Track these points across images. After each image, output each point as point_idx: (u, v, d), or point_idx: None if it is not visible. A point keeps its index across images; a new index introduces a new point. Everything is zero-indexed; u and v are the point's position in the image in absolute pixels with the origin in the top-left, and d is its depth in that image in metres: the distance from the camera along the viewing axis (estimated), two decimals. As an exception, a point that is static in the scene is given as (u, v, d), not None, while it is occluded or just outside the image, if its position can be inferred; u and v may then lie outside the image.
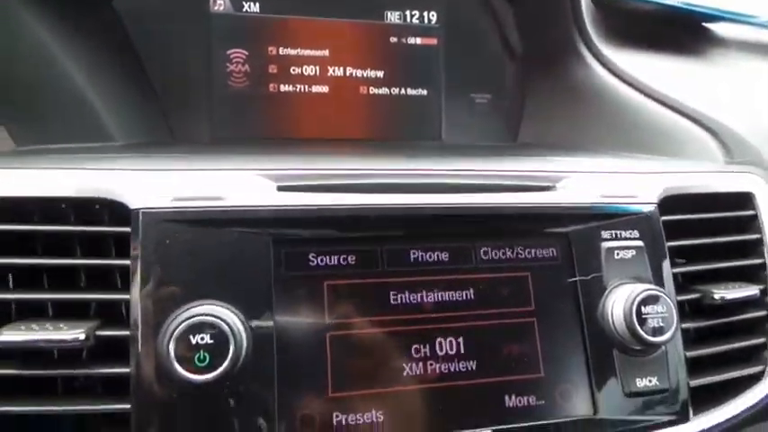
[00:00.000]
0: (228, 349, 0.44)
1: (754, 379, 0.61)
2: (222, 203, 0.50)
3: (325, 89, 0.97)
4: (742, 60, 1.05)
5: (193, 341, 0.44)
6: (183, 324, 0.44)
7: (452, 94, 1.00)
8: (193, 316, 0.44)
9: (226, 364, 0.44)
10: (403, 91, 1.00)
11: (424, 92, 1.01)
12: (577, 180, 0.60)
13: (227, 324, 0.45)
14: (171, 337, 0.44)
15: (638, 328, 0.53)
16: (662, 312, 0.54)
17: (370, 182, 0.54)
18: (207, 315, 0.45)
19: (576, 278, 0.56)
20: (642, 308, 0.54)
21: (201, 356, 0.44)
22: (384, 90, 0.99)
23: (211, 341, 0.44)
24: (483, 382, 0.53)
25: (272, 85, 0.94)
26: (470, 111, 1.02)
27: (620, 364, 0.55)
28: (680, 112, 0.81)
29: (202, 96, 0.89)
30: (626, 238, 0.59)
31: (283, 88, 0.95)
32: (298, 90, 0.96)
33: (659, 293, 0.54)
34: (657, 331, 0.54)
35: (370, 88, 0.99)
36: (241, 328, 0.46)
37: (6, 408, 0.44)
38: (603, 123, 0.90)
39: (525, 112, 1.02)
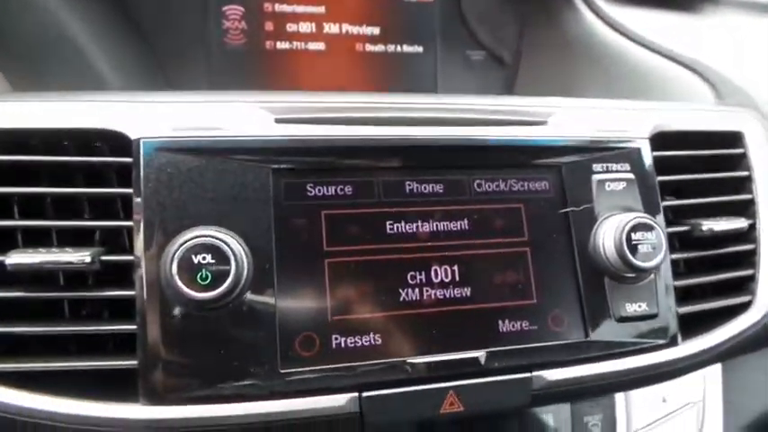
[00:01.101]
0: (230, 269, 0.46)
1: (742, 308, 0.63)
2: (222, 133, 0.51)
3: (321, 46, 0.97)
4: (733, 15, 1.06)
5: (195, 260, 0.45)
6: (185, 245, 0.45)
7: (448, 50, 1.00)
8: (195, 237, 0.46)
9: (227, 282, 0.45)
10: (398, 48, 1.00)
11: (420, 49, 1.01)
12: (570, 115, 0.61)
13: (228, 246, 0.46)
14: (173, 257, 0.45)
15: (629, 254, 0.55)
16: (651, 239, 0.55)
17: (366, 115, 0.55)
18: (208, 237, 0.46)
19: (568, 209, 0.58)
20: (632, 235, 0.55)
21: (204, 275, 0.45)
22: (380, 47, 1.00)
23: (213, 261, 0.46)
24: (477, 308, 0.54)
25: (268, 43, 0.95)
26: (466, 67, 1.03)
27: (610, 290, 0.57)
28: (673, 59, 0.82)
29: (199, 54, 0.90)
30: (617, 171, 0.60)
31: (280, 45, 0.96)
32: (294, 47, 0.96)
33: (649, 221, 0.56)
34: (647, 257, 0.55)
35: (366, 45, 0.99)
36: (241, 251, 0.47)
37: (13, 328, 0.46)
38: (600, 77, 0.91)
39: (521, 68, 1.03)
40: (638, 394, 0.65)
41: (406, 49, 1.01)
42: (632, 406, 0.64)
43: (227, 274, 0.46)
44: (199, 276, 0.45)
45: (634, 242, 0.55)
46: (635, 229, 0.55)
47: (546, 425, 0.61)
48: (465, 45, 1.02)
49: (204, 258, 0.45)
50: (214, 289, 0.45)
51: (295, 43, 0.96)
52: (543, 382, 0.53)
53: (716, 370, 0.69)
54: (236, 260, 0.46)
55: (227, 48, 0.92)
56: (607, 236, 0.56)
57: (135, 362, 0.47)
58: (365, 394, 0.49)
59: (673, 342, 0.58)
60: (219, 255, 0.46)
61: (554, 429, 0.61)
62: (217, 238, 0.46)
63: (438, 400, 0.50)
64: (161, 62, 0.87)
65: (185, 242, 0.45)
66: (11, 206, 0.50)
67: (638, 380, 0.58)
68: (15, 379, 0.45)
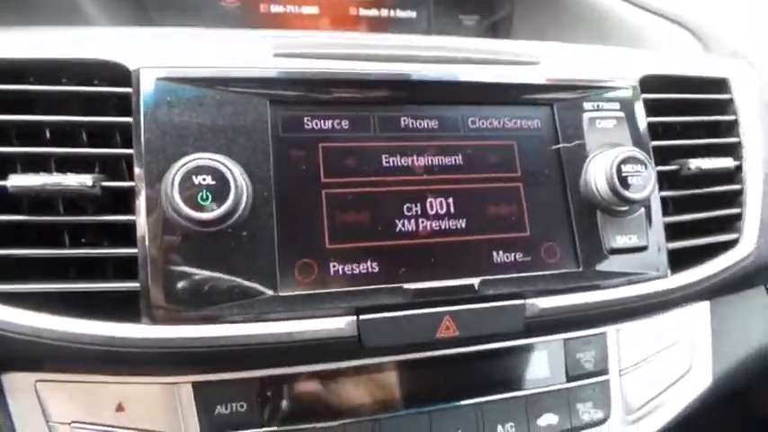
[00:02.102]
0: (229, 190, 0.46)
1: (729, 245, 0.64)
2: (221, 64, 0.52)
3: (314, 10, 0.98)
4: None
5: (196, 181, 0.46)
6: (186, 166, 0.46)
7: (440, 15, 1.01)
8: (196, 159, 0.47)
9: (227, 204, 0.46)
10: (392, 13, 1.01)
11: (413, 14, 1.02)
12: (561, 57, 0.62)
13: (228, 168, 0.47)
14: (174, 178, 0.46)
15: (619, 186, 0.56)
16: (641, 171, 0.57)
17: (364, 51, 0.56)
18: (208, 159, 0.47)
19: (560, 145, 0.59)
20: (622, 167, 0.57)
21: (204, 195, 0.46)
22: (373, 12, 1.01)
23: (213, 182, 0.46)
24: (472, 239, 0.55)
25: (262, 6, 0.96)
26: (459, 32, 1.04)
27: (602, 223, 0.58)
28: (662, 15, 0.83)
29: (194, 16, 0.90)
30: (607, 110, 0.61)
31: (274, 9, 0.96)
32: (288, 11, 0.97)
33: (638, 154, 0.57)
34: (637, 189, 0.56)
35: (360, 9, 1.00)
36: (240, 176, 0.48)
37: (15, 250, 0.47)
38: (593, 39, 0.92)
39: (513, 33, 1.04)
40: (628, 333, 0.66)
41: (400, 14, 1.02)
42: (623, 344, 0.66)
43: (226, 195, 0.46)
44: (199, 197, 0.46)
45: (624, 174, 0.56)
46: (625, 161, 0.57)
47: (540, 361, 0.62)
48: (458, 10, 1.03)
49: (204, 179, 0.46)
50: (214, 210, 0.46)
51: (289, 7, 0.97)
52: (536, 310, 0.54)
53: (704, 311, 0.70)
54: (235, 183, 0.47)
55: (222, 10, 0.93)
56: (598, 170, 0.58)
57: (136, 284, 0.47)
58: (362, 317, 0.50)
59: (662, 273, 0.59)
60: (219, 177, 0.47)
61: (548, 366, 0.62)
62: (217, 161, 0.47)
63: (434, 324, 0.52)
64: (155, 25, 0.88)
65: (186, 164, 0.46)
66: (9, 135, 0.50)
67: (629, 310, 0.59)
68: (17, 300, 0.46)
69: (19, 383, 0.51)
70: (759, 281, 0.71)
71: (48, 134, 0.51)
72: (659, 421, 0.66)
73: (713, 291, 0.65)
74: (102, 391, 0.52)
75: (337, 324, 0.50)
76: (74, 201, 0.50)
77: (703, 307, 0.71)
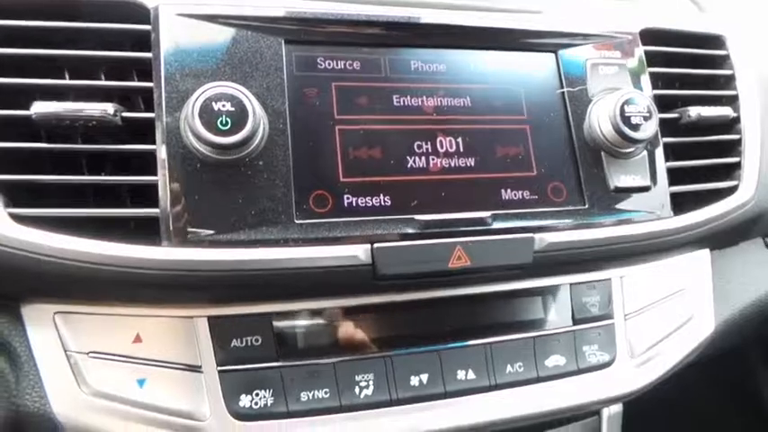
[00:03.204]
0: (247, 117, 0.48)
1: (729, 192, 0.66)
2: (238, 2, 0.53)
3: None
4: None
5: (215, 107, 0.47)
6: (206, 93, 0.48)
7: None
8: (215, 87, 0.48)
9: (246, 129, 0.48)
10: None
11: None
12: (565, 8, 0.64)
13: (246, 97, 0.48)
14: (195, 104, 0.47)
15: (622, 125, 0.58)
16: (643, 111, 0.59)
17: None
18: (228, 87, 0.48)
19: (564, 89, 0.61)
20: (625, 107, 0.58)
21: (224, 121, 0.47)
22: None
23: (232, 108, 0.48)
24: (481, 177, 0.57)
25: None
26: None
27: (606, 164, 0.60)
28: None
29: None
30: (609, 58, 0.63)
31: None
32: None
33: (640, 95, 0.59)
34: (640, 128, 0.58)
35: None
36: (258, 106, 0.49)
37: (38, 176, 0.48)
38: None
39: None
40: (632, 280, 0.67)
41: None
42: (627, 291, 0.67)
43: (245, 121, 0.48)
44: (219, 122, 0.47)
45: (627, 114, 0.58)
46: (628, 102, 0.58)
47: (548, 305, 0.64)
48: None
49: (224, 106, 0.48)
50: (233, 134, 0.47)
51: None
52: (544, 244, 0.56)
53: (705, 262, 0.72)
54: (253, 111, 0.48)
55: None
56: (602, 112, 0.59)
57: (156, 209, 0.49)
58: (377, 246, 0.51)
59: (665, 214, 0.61)
60: (238, 104, 0.48)
61: (555, 309, 0.64)
62: (236, 89, 0.48)
63: (446, 253, 0.53)
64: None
65: (207, 90, 0.48)
66: (29, 70, 0.51)
67: (633, 250, 0.61)
68: (40, 223, 0.47)
69: (38, 315, 0.52)
70: (757, 230, 0.73)
71: (66, 72, 0.52)
72: (663, 365, 0.67)
73: (714, 237, 0.66)
74: (120, 323, 0.53)
75: (353, 252, 0.51)
76: (91, 136, 0.51)
77: (704, 258, 0.72)
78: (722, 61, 0.71)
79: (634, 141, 0.58)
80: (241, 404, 0.53)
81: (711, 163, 0.66)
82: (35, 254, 0.46)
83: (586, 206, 0.58)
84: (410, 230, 0.53)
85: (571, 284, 0.65)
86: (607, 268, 0.66)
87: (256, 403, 0.53)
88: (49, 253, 0.46)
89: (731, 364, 1.41)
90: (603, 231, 0.58)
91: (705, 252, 0.73)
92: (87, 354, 0.52)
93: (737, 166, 0.68)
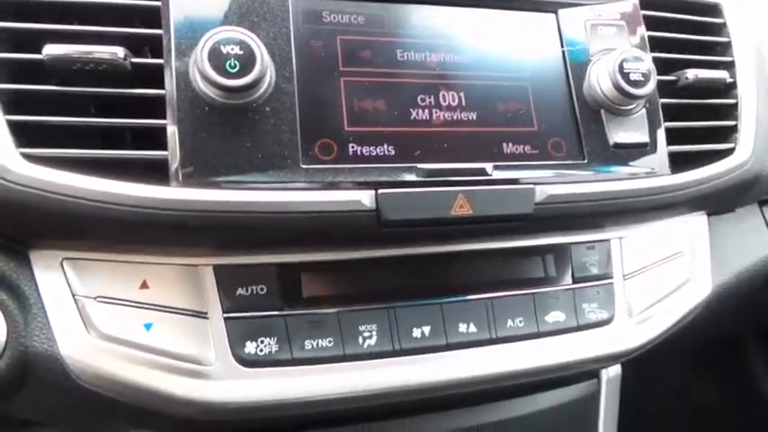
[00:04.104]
0: (255, 61, 0.49)
1: (726, 153, 0.67)
2: None
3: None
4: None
5: (224, 51, 0.48)
6: (215, 37, 0.48)
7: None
8: (224, 31, 0.49)
9: (254, 72, 0.48)
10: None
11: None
12: None
13: (254, 42, 0.49)
14: (204, 48, 0.48)
15: (622, 81, 0.59)
16: (642, 69, 0.60)
17: None
18: (236, 32, 0.49)
19: (564, 49, 0.62)
20: (624, 64, 0.59)
21: (232, 63, 0.48)
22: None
23: (240, 52, 0.49)
24: (483, 131, 0.58)
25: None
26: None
27: (606, 120, 0.61)
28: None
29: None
30: (609, 19, 0.65)
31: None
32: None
33: (639, 53, 0.60)
34: (639, 84, 0.59)
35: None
36: (265, 52, 0.50)
37: (46, 117, 0.48)
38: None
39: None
40: (630, 242, 0.69)
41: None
42: (626, 252, 0.68)
43: (253, 64, 0.49)
44: (228, 64, 0.48)
45: (626, 71, 0.59)
46: (627, 60, 0.60)
47: (548, 263, 0.65)
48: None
49: (233, 49, 0.49)
50: (241, 77, 0.48)
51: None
52: (545, 196, 0.57)
53: (703, 226, 0.73)
54: (261, 55, 0.49)
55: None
56: (601, 70, 0.61)
57: (165, 152, 0.49)
58: (381, 192, 0.52)
59: (663, 171, 0.62)
60: (246, 48, 0.49)
61: (555, 267, 0.65)
62: (245, 34, 0.49)
63: (449, 201, 0.54)
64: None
65: (216, 34, 0.49)
66: (37, 15, 0.52)
67: (631, 207, 0.62)
68: (50, 164, 0.48)
69: (46, 261, 0.52)
70: (753, 195, 0.74)
71: (76, 20, 0.53)
72: (661, 325, 0.68)
73: (710, 199, 0.67)
74: (127, 269, 0.54)
75: (357, 197, 0.52)
76: (101, 82, 0.51)
77: (702, 223, 0.74)
78: (719, 29, 0.73)
79: (633, 97, 0.60)
80: (246, 350, 0.54)
81: (709, 125, 0.67)
82: (46, 192, 0.47)
83: (586, 161, 0.60)
84: (413, 178, 0.54)
85: (571, 244, 0.66)
86: (606, 229, 0.67)
87: (261, 350, 0.54)
88: (60, 191, 0.47)
89: (726, 351, 1.43)
90: (602, 186, 0.59)
91: (702, 218, 0.74)
92: (95, 298, 0.52)
93: (734, 129, 0.69)
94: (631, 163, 0.61)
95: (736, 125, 0.69)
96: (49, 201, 0.47)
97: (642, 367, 0.91)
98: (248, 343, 0.54)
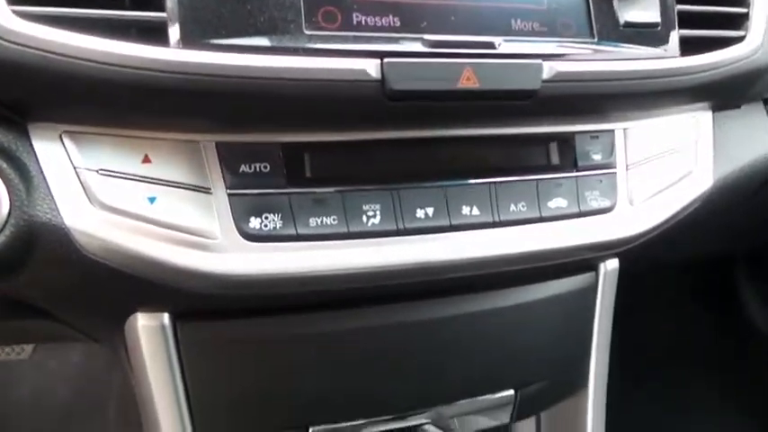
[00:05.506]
0: None
1: (736, 41, 0.66)
2: None
3: None
4: None
5: None
6: None
7: None
8: None
9: None
10: None
11: None
12: None
13: None
14: None
15: (633, -45, 0.57)
16: None
17: None
18: None
19: None
20: (636, -63, 0.57)
21: None
22: None
23: None
24: (491, 5, 0.56)
25: None
26: None
27: (616, 1, 0.59)
28: None
29: None
30: None
31: None
32: None
33: None
34: (650, -41, 0.58)
35: None
36: None
37: None
38: None
39: None
40: (634, 133, 0.68)
41: None
42: (630, 143, 0.68)
43: None
44: None
45: None
46: None
47: (552, 151, 0.64)
48: None
49: None
50: None
51: None
52: (553, 72, 0.56)
53: (707, 121, 0.73)
54: None
55: None
56: None
57: (164, 14, 0.48)
58: (387, 60, 0.51)
59: (672, 53, 0.61)
60: None
61: (558, 155, 0.64)
62: None
63: (456, 72, 0.53)
64: None
65: None
66: None
67: (639, 88, 0.61)
68: (41, 21, 0.46)
69: (45, 133, 0.51)
70: (759, 88, 0.73)
71: None
72: (661, 215, 0.69)
73: (718, 88, 0.67)
74: (128, 143, 0.53)
75: (362, 65, 0.51)
76: None
77: (707, 118, 0.73)
78: None
79: None
80: (251, 226, 0.54)
81: (720, 10, 0.66)
82: (41, 50, 0.45)
83: (596, 39, 0.58)
84: (420, 48, 0.52)
85: (575, 133, 0.66)
86: (611, 119, 0.67)
87: (266, 225, 0.54)
88: (57, 50, 0.45)
89: (717, 279, 1.46)
90: (611, 65, 0.58)
91: (707, 114, 0.73)
92: (96, 171, 0.52)
93: (746, 16, 0.67)
94: (641, 43, 0.60)
95: (747, 12, 0.67)
96: (44, 59, 0.45)
97: (636, 289, 0.93)
98: (252, 218, 0.54)
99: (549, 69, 0.56)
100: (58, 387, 1.40)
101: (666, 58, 0.61)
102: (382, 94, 0.52)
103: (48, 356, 1.40)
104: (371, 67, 0.51)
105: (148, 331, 0.59)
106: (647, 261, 0.82)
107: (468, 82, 0.53)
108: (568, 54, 0.57)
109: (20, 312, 0.67)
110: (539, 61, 0.55)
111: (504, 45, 0.55)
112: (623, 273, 0.76)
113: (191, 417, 0.62)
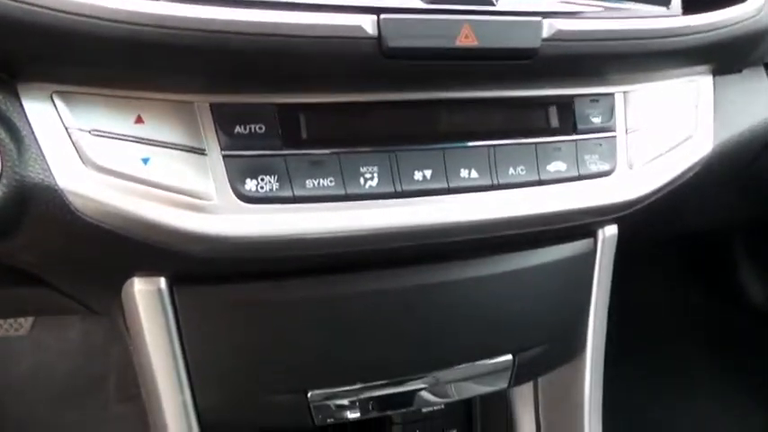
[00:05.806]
0: None
1: (739, 0, 0.65)
2: None
3: None
4: None
5: None
6: None
7: None
8: None
9: None
10: None
11: None
12: None
13: None
14: None
15: None
16: None
17: None
18: None
19: None
20: None
21: None
22: None
23: None
24: None
25: None
26: None
27: None
28: None
29: None
30: None
31: None
32: None
33: None
34: None
35: None
36: None
37: None
38: None
39: None
40: (634, 98, 0.68)
41: None
42: (629, 107, 0.67)
43: None
44: None
45: None
46: None
47: (551, 114, 0.64)
48: None
49: None
50: None
51: None
52: (553, 31, 0.55)
53: (708, 86, 0.72)
54: None
55: None
56: None
57: None
58: (383, 16, 0.50)
59: (674, 12, 0.60)
60: None
61: (558, 118, 0.64)
62: None
63: (454, 30, 0.52)
64: None
65: None
66: None
67: (641, 48, 0.60)
68: None
69: (35, 93, 0.50)
70: (760, 52, 0.73)
71: None
72: (660, 179, 0.68)
73: (719, 50, 0.66)
74: (120, 104, 0.52)
75: (358, 21, 0.50)
76: None
77: (707, 83, 0.72)
78: None
79: None
80: (246, 187, 0.53)
81: None
82: (25, 3, 0.44)
83: None
84: (417, 4, 0.51)
85: (575, 96, 0.65)
86: (611, 82, 0.66)
87: (262, 187, 0.54)
88: (39, 1, 0.44)
89: (715, 255, 1.46)
90: (612, 23, 0.57)
91: (708, 78, 0.73)
92: (89, 132, 0.51)
93: None
94: (643, 1, 0.59)
95: (753, -30, 0.66)
96: (30, 14, 0.44)
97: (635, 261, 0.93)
98: (248, 180, 0.53)
99: (548, 27, 0.55)
100: (56, 363, 1.41)
101: (668, 17, 0.60)
102: (378, 51, 0.51)
103: (46, 333, 1.40)
104: (367, 24, 0.50)
105: (145, 296, 0.58)
106: (646, 230, 0.82)
107: (466, 39, 0.52)
108: (568, 11, 0.56)
109: (16, 280, 0.66)
110: (538, 18, 0.54)
111: (503, 2, 0.54)
112: (623, 244, 0.76)
113: (189, 382, 0.62)
